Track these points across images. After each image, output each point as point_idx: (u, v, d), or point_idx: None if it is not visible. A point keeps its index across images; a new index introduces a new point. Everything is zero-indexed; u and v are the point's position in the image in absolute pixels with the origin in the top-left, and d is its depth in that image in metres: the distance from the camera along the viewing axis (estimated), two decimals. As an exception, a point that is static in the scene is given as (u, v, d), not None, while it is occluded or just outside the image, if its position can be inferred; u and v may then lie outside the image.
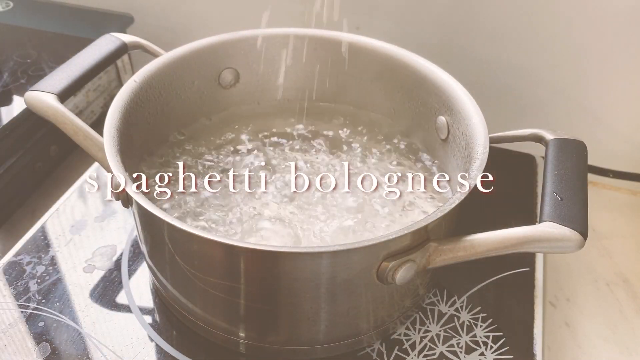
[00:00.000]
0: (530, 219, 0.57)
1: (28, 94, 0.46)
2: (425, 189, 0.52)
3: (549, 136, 0.46)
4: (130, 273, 0.51)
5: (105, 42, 0.53)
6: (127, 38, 0.54)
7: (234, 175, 0.52)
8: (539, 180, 0.63)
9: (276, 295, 0.40)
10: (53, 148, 0.66)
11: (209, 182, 0.51)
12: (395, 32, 0.70)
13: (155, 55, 0.54)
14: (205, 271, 0.40)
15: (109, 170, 0.41)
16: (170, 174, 0.52)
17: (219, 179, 0.52)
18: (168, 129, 0.55)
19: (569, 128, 0.68)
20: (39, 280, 0.50)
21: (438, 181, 0.52)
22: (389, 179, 0.52)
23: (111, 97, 0.69)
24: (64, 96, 0.47)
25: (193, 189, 0.50)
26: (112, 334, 0.46)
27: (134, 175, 0.49)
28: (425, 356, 0.46)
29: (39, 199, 0.65)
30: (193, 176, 0.52)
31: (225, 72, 0.56)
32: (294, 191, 0.51)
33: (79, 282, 0.50)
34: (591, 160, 0.45)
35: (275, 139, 0.57)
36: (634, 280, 0.58)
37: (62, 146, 0.67)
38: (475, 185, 0.40)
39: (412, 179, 0.53)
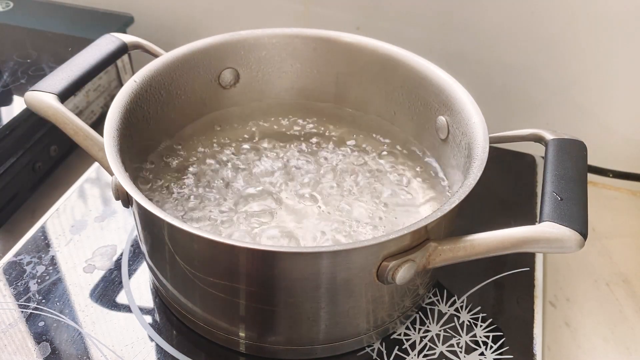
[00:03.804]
0: (530, 219, 0.57)
1: (28, 94, 0.46)
2: (424, 188, 0.52)
3: (549, 136, 0.46)
4: (130, 273, 0.51)
5: (105, 42, 0.53)
6: (127, 38, 0.54)
7: (233, 175, 0.52)
8: (539, 180, 0.63)
9: (276, 295, 0.40)
10: (53, 148, 0.66)
11: (208, 181, 0.51)
12: (395, 32, 0.70)
13: (155, 55, 0.54)
14: (205, 271, 0.40)
15: (109, 170, 0.41)
16: (171, 174, 0.52)
17: (218, 178, 0.52)
18: (168, 129, 0.55)
19: (569, 128, 0.68)
20: (39, 280, 0.50)
21: (437, 181, 0.52)
22: (388, 179, 0.52)
23: (111, 97, 0.69)
24: (64, 96, 0.47)
25: (192, 188, 0.50)
26: (112, 333, 0.46)
27: (134, 175, 0.49)
28: (425, 356, 0.46)
29: (39, 199, 0.65)
30: (192, 176, 0.52)
31: (225, 72, 0.56)
32: (293, 191, 0.51)
33: (79, 282, 0.50)
34: (591, 160, 0.45)
35: (275, 139, 0.57)
36: (634, 280, 0.58)
37: (62, 146, 0.67)
38: (475, 185, 0.40)
39: (412, 178, 0.53)
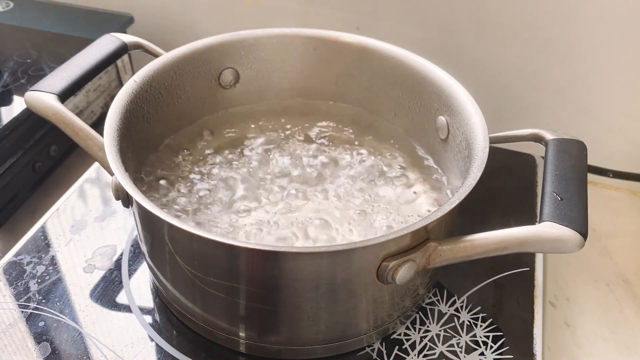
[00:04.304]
0: (530, 219, 0.57)
1: (28, 94, 0.46)
2: (424, 188, 0.52)
3: (548, 136, 0.46)
4: (131, 273, 0.51)
5: (105, 42, 0.53)
6: (127, 38, 0.54)
7: (233, 175, 0.52)
8: (539, 180, 0.63)
9: (276, 295, 0.40)
10: (53, 148, 0.66)
11: (208, 181, 0.51)
12: (395, 32, 0.70)
13: (155, 55, 0.54)
14: (205, 271, 0.40)
15: (109, 170, 0.41)
16: (171, 174, 0.52)
17: (218, 178, 0.52)
18: (168, 128, 0.55)
19: (569, 128, 0.68)
20: (39, 280, 0.50)
21: (437, 181, 0.52)
22: (389, 179, 0.52)
23: (111, 97, 0.69)
24: (64, 96, 0.47)
25: (193, 188, 0.50)
26: (112, 333, 0.46)
27: (134, 175, 0.49)
28: (425, 356, 0.46)
29: (39, 199, 0.65)
30: (192, 175, 0.52)
31: (225, 72, 0.56)
32: (293, 190, 0.51)
33: (79, 282, 0.50)
34: (591, 160, 0.45)
35: (274, 138, 0.57)
36: (634, 280, 0.58)
37: (62, 146, 0.67)
38: (475, 185, 0.40)
39: (412, 178, 0.53)
